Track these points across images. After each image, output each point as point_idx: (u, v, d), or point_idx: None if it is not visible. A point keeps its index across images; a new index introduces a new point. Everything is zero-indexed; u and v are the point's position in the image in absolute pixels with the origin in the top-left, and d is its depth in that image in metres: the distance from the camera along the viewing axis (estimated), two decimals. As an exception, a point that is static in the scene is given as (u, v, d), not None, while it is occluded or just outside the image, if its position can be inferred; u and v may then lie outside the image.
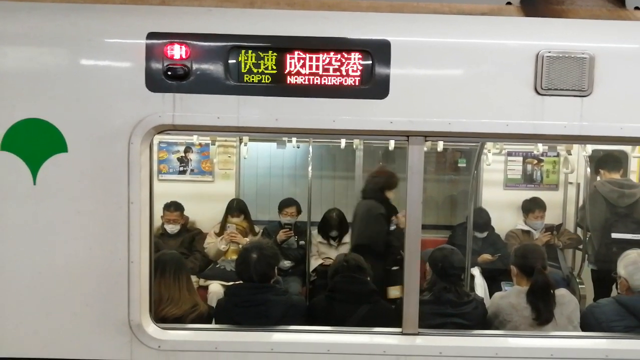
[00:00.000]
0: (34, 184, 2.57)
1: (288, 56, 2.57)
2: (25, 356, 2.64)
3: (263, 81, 2.58)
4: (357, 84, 2.58)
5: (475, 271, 4.93)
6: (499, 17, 2.70)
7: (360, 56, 2.57)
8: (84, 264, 2.60)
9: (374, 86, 2.58)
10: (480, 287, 4.76)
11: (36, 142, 2.56)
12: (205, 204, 5.88)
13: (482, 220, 5.39)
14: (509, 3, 2.80)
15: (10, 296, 2.61)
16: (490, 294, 4.34)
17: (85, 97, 2.55)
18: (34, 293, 2.61)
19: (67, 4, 2.64)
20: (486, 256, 5.19)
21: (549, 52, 2.56)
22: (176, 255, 3.54)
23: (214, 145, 5.86)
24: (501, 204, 5.73)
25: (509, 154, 5.99)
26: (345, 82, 2.58)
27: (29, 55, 2.57)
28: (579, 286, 5.01)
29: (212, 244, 5.26)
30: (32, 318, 2.62)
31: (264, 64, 2.58)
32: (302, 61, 2.57)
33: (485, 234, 5.40)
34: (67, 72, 2.56)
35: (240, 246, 5.01)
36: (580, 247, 5.25)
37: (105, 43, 2.58)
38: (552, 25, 2.67)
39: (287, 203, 5.51)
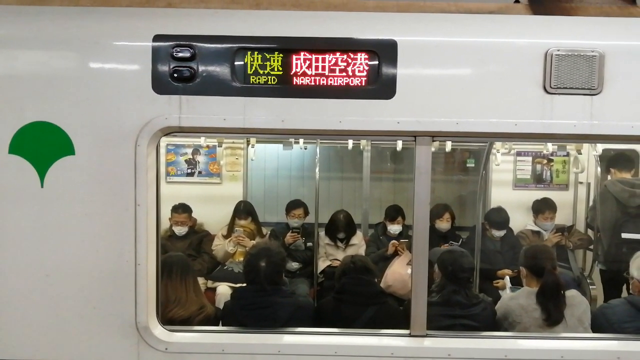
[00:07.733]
0: (42, 186, 2.58)
1: (294, 57, 2.56)
2: (33, 358, 2.65)
3: (269, 82, 2.57)
4: (363, 84, 2.56)
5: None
6: (507, 15, 2.68)
7: (366, 56, 2.55)
8: (91, 266, 2.61)
9: (380, 86, 2.56)
10: None
11: (43, 145, 2.56)
12: (213, 205, 5.88)
13: (500, 218, 5.27)
14: (516, 1, 2.77)
15: (18, 298, 2.62)
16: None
17: (92, 100, 2.56)
18: (41, 295, 2.61)
19: (74, 7, 2.65)
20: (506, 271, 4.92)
21: (558, 51, 2.53)
22: (183, 257, 3.55)
23: (221, 147, 5.86)
24: (510, 204, 5.66)
25: (518, 153, 5.94)
26: (352, 82, 2.56)
27: (36, 58, 2.58)
28: (590, 287, 4.95)
29: (220, 246, 5.27)
30: (39, 320, 2.63)
31: (270, 65, 2.57)
32: (308, 62, 2.56)
33: (502, 232, 5.24)
34: (74, 74, 2.57)
35: (247, 249, 5.00)
36: (591, 247, 5.19)
37: (112, 46, 2.59)
38: (561, 23, 2.64)
39: (294, 205, 5.50)
